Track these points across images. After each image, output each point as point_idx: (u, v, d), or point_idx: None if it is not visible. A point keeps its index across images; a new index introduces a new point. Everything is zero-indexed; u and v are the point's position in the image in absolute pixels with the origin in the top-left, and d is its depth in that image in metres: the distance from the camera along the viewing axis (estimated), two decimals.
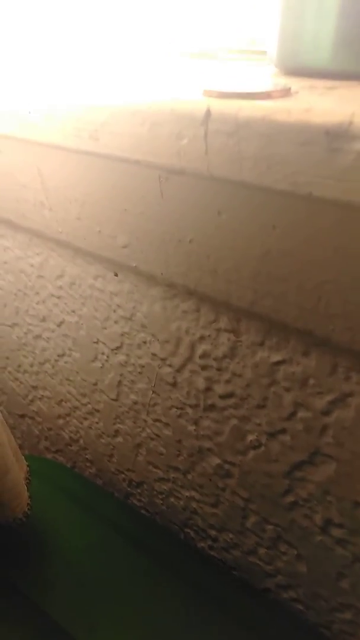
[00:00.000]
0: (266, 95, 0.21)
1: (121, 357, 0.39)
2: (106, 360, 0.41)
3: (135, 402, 0.40)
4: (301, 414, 0.29)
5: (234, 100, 0.21)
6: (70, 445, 0.50)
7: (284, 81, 0.25)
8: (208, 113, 0.22)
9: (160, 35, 0.41)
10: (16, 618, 0.34)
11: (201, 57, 0.39)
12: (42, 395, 0.50)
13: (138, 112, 0.25)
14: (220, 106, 0.21)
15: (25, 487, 0.34)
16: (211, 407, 0.34)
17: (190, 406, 0.35)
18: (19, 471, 0.33)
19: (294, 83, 0.25)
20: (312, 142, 0.19)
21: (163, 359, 0.36)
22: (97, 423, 0.45)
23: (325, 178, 0.19)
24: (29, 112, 0.31)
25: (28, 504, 0.34)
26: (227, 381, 0.32)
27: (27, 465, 0.36)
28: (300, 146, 0.20)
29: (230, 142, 0.21)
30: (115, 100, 0.26)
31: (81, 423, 0.47)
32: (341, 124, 0.18)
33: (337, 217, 0.21)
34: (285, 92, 0.22)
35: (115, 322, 0.38)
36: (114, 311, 0.37)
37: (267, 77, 0.27)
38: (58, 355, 0.45)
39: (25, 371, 0.51)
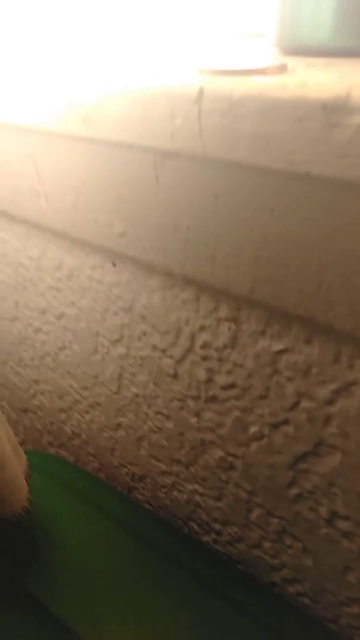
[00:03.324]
0: (261, 72, 0.20)
1: (121, 350, 0.38)
2: (106, 353, 0.40)
3: (137, 395, 0.39)
4: (304, 404, 0.28)
5: (228, 78, 0.20)
6: (73, 440, 0.50)
7: (281, 58, 0.24)
8: (201, 91, 0.21)
9: (157, 20, 0.40)
10: (18, 613, 0.33)
11: (199, 41, 0.38)
12: (44, 390, 0.50)
13: (129, 93, 0.24)
14: (214, 84, 0.21)
15: (25, 482, 0.34)
16: (213, 399, 0.33)
17: (192, 398, 0.35)
18: (17, 466, 0.33)
19: (293, 62, 0.24)
20: (309, 117, 0.18)
21: (163, 350, 0.35)
22: (98, 417, 0.45)
23: (323, 155, 0.18)
24: (21, 98, 0.30)
25: (27, 498, 0.33)
26: (229, 372, 0.31)
27: (28, 460, 0.36)
28: (296, 122, 0.19)
29: (225, 120, 0.21)
30: (107, 82, 0.25)
31: (83, 417, 0.47)
32: (338, 97, 0.17)
33: (336, 196, 0.20)
34: (281, 69, 0.21)
35: (115, 313, 0.37)
36: (113, 302, 0.37)
37: (264, 56, 0.26)
38: (58, 349, 0.45)
39: (26, 365, 0.51)
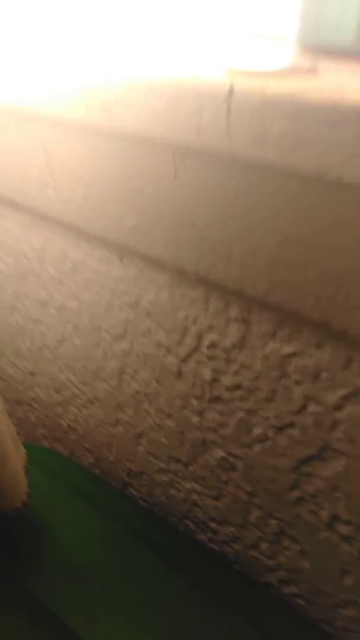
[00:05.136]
0: (292, 73, 0.20)
1: (124, 345, 0.38)
2: (108, 348, 0.39)
3: (138, 392, 0.39)
4: (311, 408, 0.28)
5: (259, 78, 0.20)
6: (68, 434, 0.50)
7: (309, 60, 0.24)
8: (231, 89, 0.20)
9: (177, 17, 0.39)
10: (12, 608, 0.33)
11: (219, 38, 0.37)
12: (40, 382, 0.49)
13: (156, 86, 0.23)
14: (245, 83, 0.20)
15: (24, 476, 0.33)
16: (217, 399, 0.33)
17: (195, 397, 0.35)
18: (17, 459, 0.32)
19: (316, 62, 0.24)
20: (343, 122, 0.18)
21: (168, 348, 0.35)
22: (96, 412, 0.44)
23: (355, 160, 0.18)
24: (37, 83, 0.30)
25: (27, 493, 0.33)
26: (235, 372, 0.31)
27: (26, 454, 0.35)
28: (329, 126, 0.18)
29: (254, 120, 0.20)
30: (132, 73, 0.24)
31: (80, 411, 0.46)
32: None
33: None
34: (312, 71, 0.20)
35: (119, 308, 0.37)
36: (118, 297, 0.36)
37: (290, 57, 0.26)
38: (57, 341, 0.44)
39: (23, 357, 0.50)
